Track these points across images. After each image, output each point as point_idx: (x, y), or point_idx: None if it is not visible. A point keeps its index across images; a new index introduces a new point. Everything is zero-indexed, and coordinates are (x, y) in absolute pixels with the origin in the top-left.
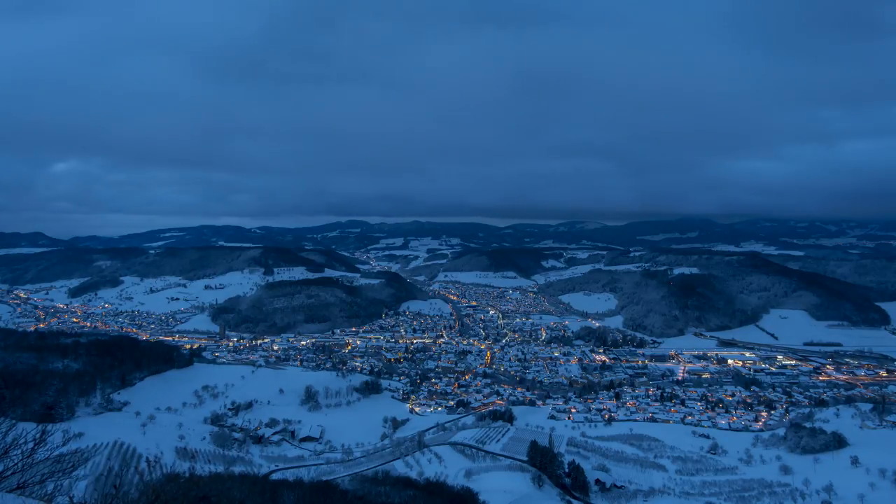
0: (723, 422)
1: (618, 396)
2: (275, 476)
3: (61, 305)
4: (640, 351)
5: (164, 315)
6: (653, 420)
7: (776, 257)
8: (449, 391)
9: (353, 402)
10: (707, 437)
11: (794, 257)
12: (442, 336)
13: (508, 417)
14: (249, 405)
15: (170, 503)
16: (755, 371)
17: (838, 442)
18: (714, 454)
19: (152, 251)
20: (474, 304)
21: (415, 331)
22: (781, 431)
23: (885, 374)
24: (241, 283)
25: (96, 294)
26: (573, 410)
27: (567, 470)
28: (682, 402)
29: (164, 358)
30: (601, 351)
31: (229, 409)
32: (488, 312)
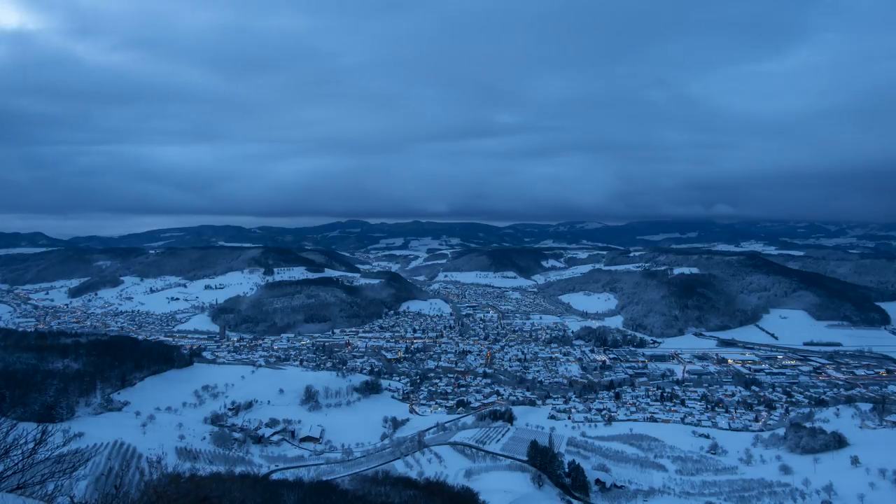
0: (723, 422)
1: (618, 396)
2: (275, 476)
3: (61, 305)
4: (640, 351)
5: (164, 315)
6: (653, 420)
7: (776, 257)
8: (449, 391)
9: (353, 402)
10: (707, 436)
11: (794, 257)
12: (442, 336)
13: (508, 417)
14: (249, 405)
15: None
16: (755, 371)
17: (838, 442)
18: (714, 454)
19: (152, 251)
20: (474, 304)
21: (415, 331)
22: (781, 431)
23: (885, 374)
24: (241, 283)
25: (96, 294)
26: (573, 410)
27: (567, 470)
28: (682, 402)
29: (164, 358)
30: (601, 351)
31: (229, 409)
32: (488, 312)
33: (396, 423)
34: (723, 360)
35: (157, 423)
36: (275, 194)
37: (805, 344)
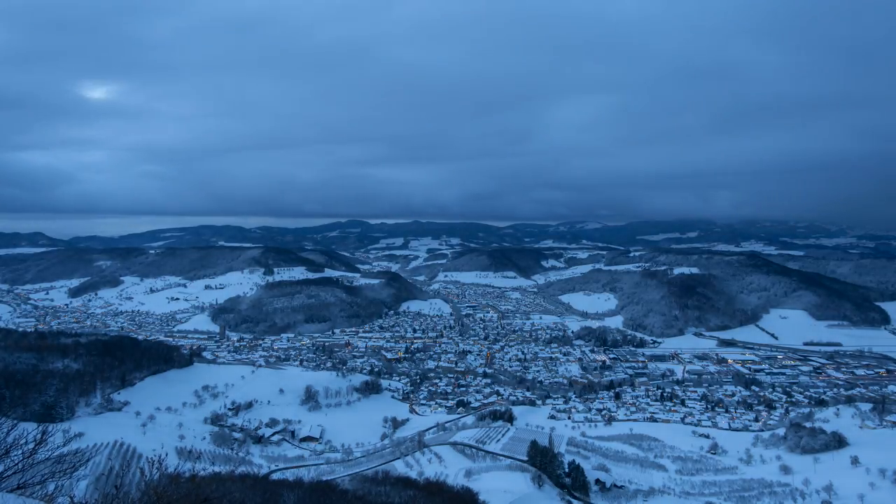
0: (723, 422)
1: (618, 396)
2: (275, 476)
3: (61, 305)
4: (640, 351)
5: (164, 315)
6: (653, 420)
7: (776, 257)
8: (449, 391)
9: (353, 402)
10: (707, 436)
11: (794, 257)
12: (442, 336)
13: (508, 417)
14: (249, 405)
15: None
16: (755, 371)
17: (838, 442)
18: (714, 454)
19: (152, 251)
20: (474, 304)
21: (415, 331)
22: (781, 431)
23: (885, 374)
24: (241, 283)
25: (96, 294)
26: (573, 410)
27: (567, 470)
28: (683, 402)
29: (164, 358)
30: (601, 351)
31: (229, 409)
32: (488, 312)
33: (396, 423)
34: (723, 360)
35: (157, 423)
36: (125, 192)
37: (805, 344)
